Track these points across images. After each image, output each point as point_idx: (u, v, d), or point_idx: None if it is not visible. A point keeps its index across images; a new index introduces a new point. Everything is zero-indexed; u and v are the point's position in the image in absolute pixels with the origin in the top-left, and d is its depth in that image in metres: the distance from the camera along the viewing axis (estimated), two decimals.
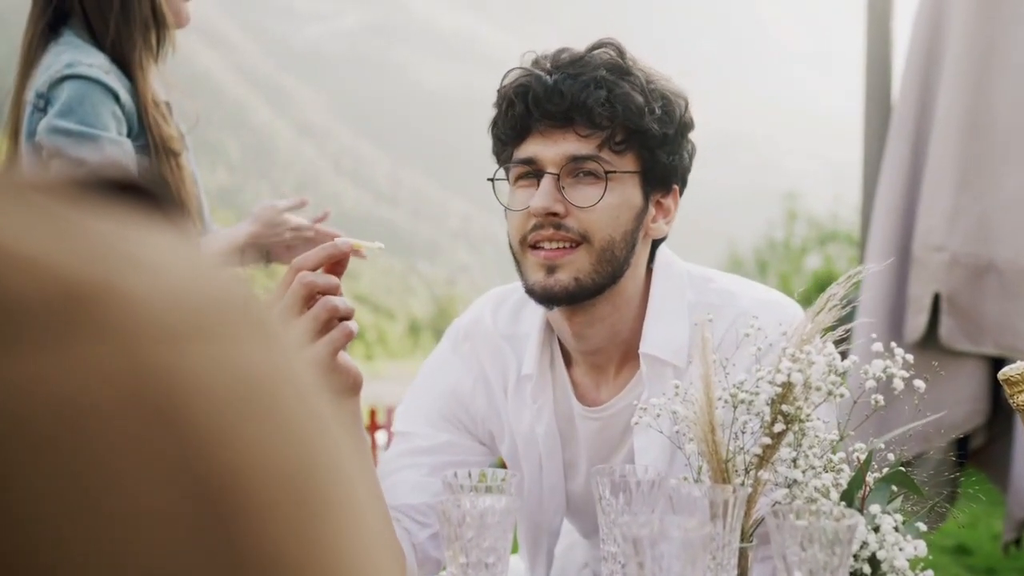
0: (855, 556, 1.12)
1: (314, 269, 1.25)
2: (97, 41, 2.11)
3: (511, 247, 1.50)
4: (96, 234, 0.27)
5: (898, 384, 1.15)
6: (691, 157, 1.55)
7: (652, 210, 1.51)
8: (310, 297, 1.23)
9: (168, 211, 0.32)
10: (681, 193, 1.57)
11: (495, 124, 1.51)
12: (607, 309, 1.50)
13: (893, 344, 1.17)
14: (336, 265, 1.27)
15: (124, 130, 2.07)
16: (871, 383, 1.15)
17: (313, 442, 0.28)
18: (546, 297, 1.45)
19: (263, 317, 0.29)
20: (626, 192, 1.47)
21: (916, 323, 3.14)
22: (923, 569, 1.14)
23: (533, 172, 1.46)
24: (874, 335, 1.25)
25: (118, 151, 2.03)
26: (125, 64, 2.10)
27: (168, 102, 2.20)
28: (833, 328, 1.21)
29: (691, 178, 1.58)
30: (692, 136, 1.55)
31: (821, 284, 1.32)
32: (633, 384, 1.53)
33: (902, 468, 1.18)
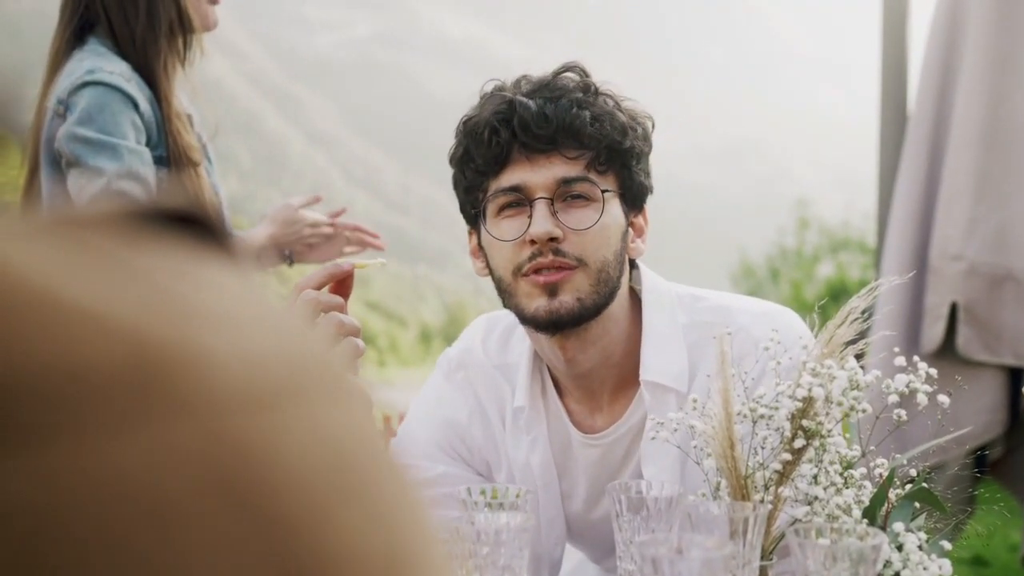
0: (879, 575, 1.09)
1: (318, 289, 1.24)
2: (121, 48, 2.09)
3: (498, 280, 1.47)
4: (162, 282, 0.24)
5: (922, 399, 1.12)
6: (650, 176, 1.54)
7: (630, 230, 1.51)
8: (314, 316, 1.22)
9: (224, 244, 0.29)
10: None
11: (467, 157, 1.47)
12: (598, 331, 1.48)
13: (916, 358, 1.15)
14: (341, 285, 1.27)
15: (143, 139, 2.05)
16: (894, 398, 1.12)
17: (402, 521, 0.25)
18: (551, 321, 1.42)
19: (336, 372, 0.27)
20: (613, 212, 1.46)
21: (933, 333, 3.11)
22: None
23: (520, 200, 1.44)
24: (896, 348, 1.22)
25: (136, 160, 2.01)
26: (148, 71, 2.08)
27: (190, 114, 2.19)
28: (854, 341, 1.19)
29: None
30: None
31: (834, 292, 1.30)
32: (632, 410, 1.52)
33: (925, 485, 1.16)
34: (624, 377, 1.53)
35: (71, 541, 0.20)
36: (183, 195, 0.29)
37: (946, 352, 3.06)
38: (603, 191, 1.43)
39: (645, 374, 1.47)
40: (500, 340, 1.59)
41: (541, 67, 1.53)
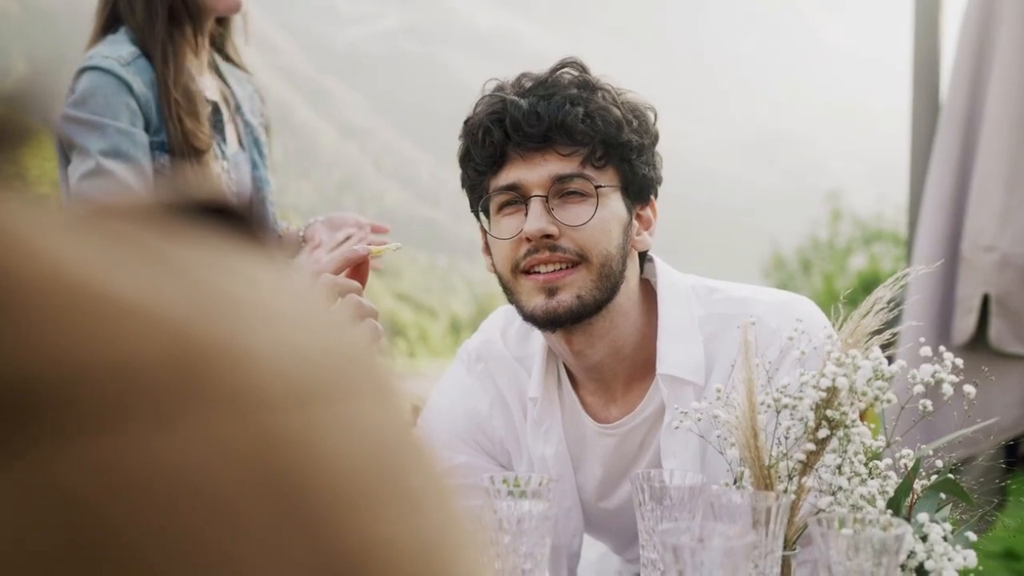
0: (902, 566, 1.09)
1: (335, 274, 1.25)
2: (133, 35, 2.13)
3: (500, 277, 1.49)
4: (200, 275, 0.25)
5: (947, 390, 1.11)
6: (660, 167, 1.54)
7: (635, 223, 1.50)
8: (332, 300, 1.23)
9: (261, 236, 0.29)
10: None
11: (468, 157, 1.49)
12: (605, 326, 1.48)
13: (942, 348, 1.14)
14: (357, 270, 1.30)
15: (139, 122, 2.06)
16: (919, 388, 1.12)
17: (440, 515, 0.26)
18: (549, 319, 1.43)
19: (377, 369, 0.27)
20: (613, 206, 1.46)
21: (965, 324, 3.08)
22: None
23: (517, 198, 1.45)
24: (922, 339, 1.21)
25: (126, 141, 2.03)
26: (150, 57, 2.10)
27: (215, 101, 2.19)
28: (880, 331, 1.18)
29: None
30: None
31: (867, 284, 1.29)
32: (647, 401, 1.52)
33: (951, 476, 1.15)
34: (637, 369, 1.53)
35: (115, 532, 0.21)
36: (212, 187, 0.29)
37: (977, 344, 3.04)
38: (598, 187, 1.43)
39: (662, 367, 1.47)
40: (520, 331, 1.60)
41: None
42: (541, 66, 1.56)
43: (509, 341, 1.61)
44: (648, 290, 1.56)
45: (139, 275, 0.24)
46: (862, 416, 1.19)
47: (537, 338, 1.57)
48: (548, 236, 1.41)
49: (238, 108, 2.27)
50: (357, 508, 0.23)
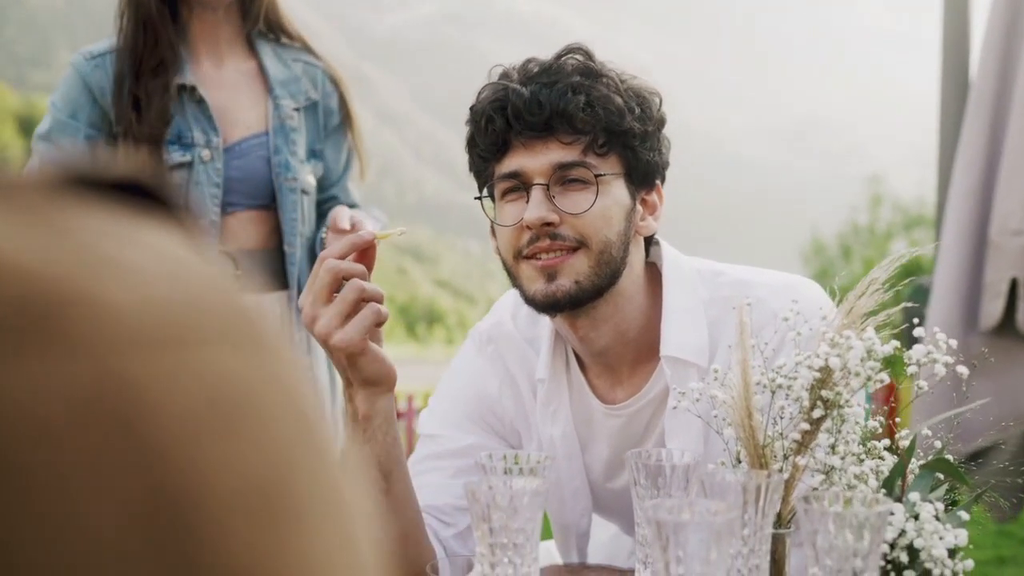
0: (892, 544, 1.09)
1: (341, 258, 1.28)
2: None
3: (503, 262, 1.50)
4: (79, 237, 0.27)
5: (939, 370, 1.12)
6: (668, 152, 1.54)
7: (640, 208, 1.51)
8: (337, 283, 1.26)
9: (172, 210, 0.31)
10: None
11: (473, 143, 1.50)
12: (609, 310, 1.49)
13: (936, 329, 1.14)
14: (364, 255, 1.32)
15: (95, 114, 2.21)
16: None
17: (287, 452, 0.27)
18: (548, 304, 1.44)
19: (249, 322, 0.29)
20: (615, 193, 1.46)
21: (992, 309, 3.05)
22: (964, 559, 1.11)
23: (520, 185, 1.46)
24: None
25: (63, 130, 2.20)
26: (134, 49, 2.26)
27: (196, 88, 2.23)
28: (875, 313, 1.19)
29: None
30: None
31: (908, 270, 1.29)
32: (652, 383, 1.54)
33: (946, 456, 1.15)
34: (642, 352, 1.54)
35: None
36: (132, 166, 0.32)
37: (1005, 329, 3.01)
38: (598, 175, 1.44)
39: (665, 349, 1.49)
40: (530, 314, 1.61)
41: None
42: None
43: (519, 323, 1.63)
44: (654, 274, 1.57)
45: (19, 235, 0.26)
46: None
47: (546, 320, 1.58)
48: (549, 224, 1.42)
49: (271, 90, 2.30)
50: (189, 442, 0.25)
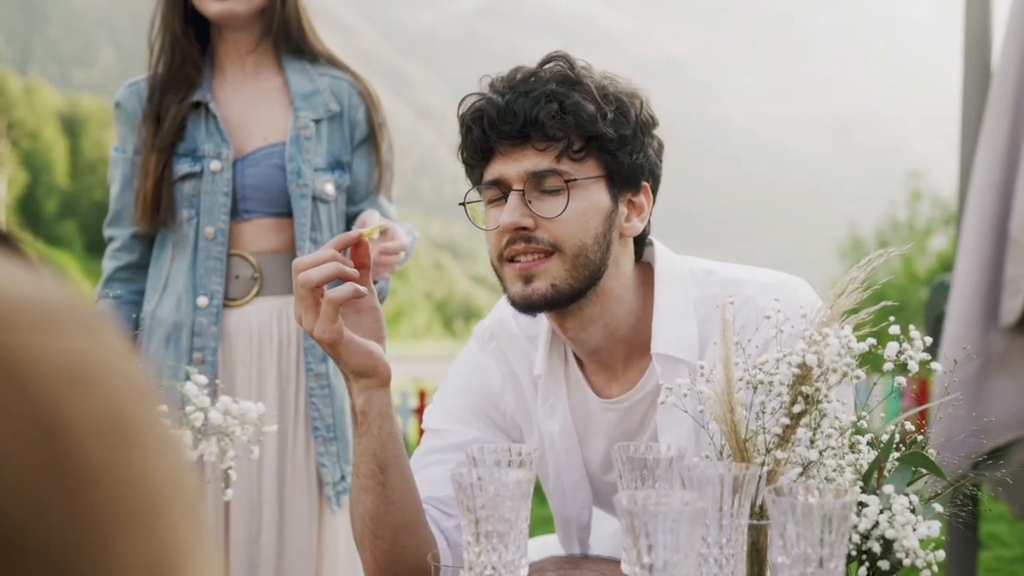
0: (866, 536, 1.13)
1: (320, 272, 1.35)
2: None
3: (491, 264, 1.56)
4: None
5: (913, 367, 1.15)
6: (658, 153, 1.57)
7: (624, 210, 1.55)
8: (314, 291, 1.35)
9: (10, 244, 0.43)
10: (655, 190, 1.60)
11: (460, 150, 1.56)
12: (596, 310, 1.54)
13: (912, 327, 1.17)
14: (357, 253, 1.41)
15: (136, 141, 2.41)
16: (888, 366, 1.15)
17: (125, 395, 0.39)
18: (526, 305, 1.50)
19: (87, 315, 0.41)
20: (591, 197, 1.50)
21: (1012, 306, 3.04)
22: (935, 549, 1.14)
23: (502, 191, 1.51)
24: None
25: (112, 164, 2.45)
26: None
27: (208, 104, 2.36)
28: (855, 311, 1.22)
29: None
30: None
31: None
32: (645, 379, 1.58)
33: (921, 450, 1.18)
34: (635, 349, 1.59)
35: None
36: None
37: None
38: (569, 180, 1.48)
39: (656, 347, 1.53)
40: None
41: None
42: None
43: (521, 320, 1.68)
44: (648, 273, 1.61)
45: None
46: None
47: (544, 318, 1.63)
48: (524, 228, 1.48)
49: (293, 103, 2.36)
50: (58, 388, 0.37)
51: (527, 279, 1.49)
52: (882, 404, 1.24)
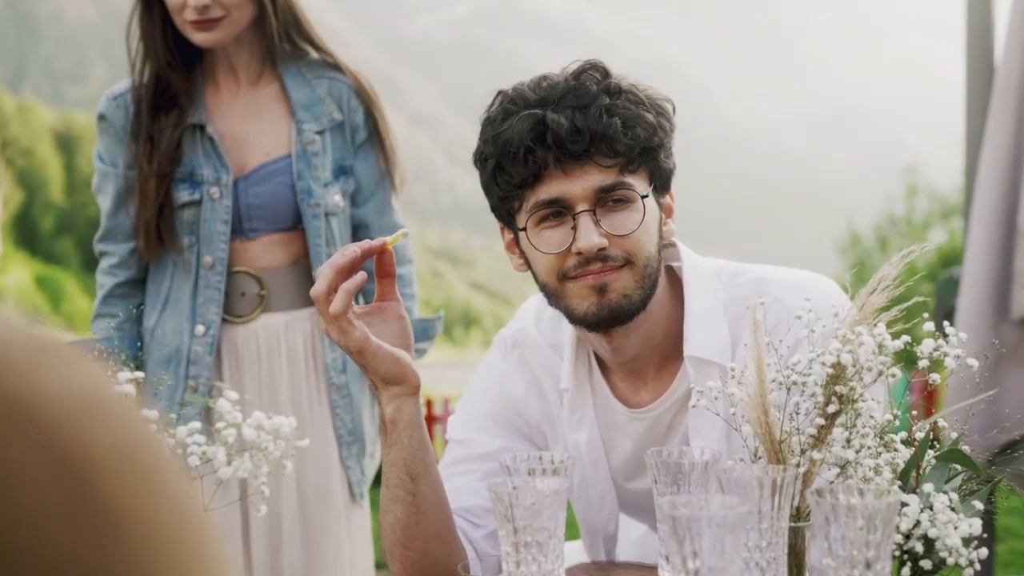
0: (908, 535, 1.12)
1: (333, 288, 1.36)
2: None
3: (543, 285, 1.51)
4: None
5: (950, 364, 1.14)
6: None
7: (662, 214, 1.54)
8: (327, 302, 1.36)
9: None
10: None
11: (499, 170, 1.48)
12: (641, 318, 1.52)
13: (946, 324, 1.16)
14: (382, 262, 1.40)
15: (125, 155, 2.37)
16: (924, 362, 1.15)
17: (137, 430, 0.41)
18: (602, 320, 1.47)
19: (70, 350, 0.42)
20: (650, 207, 1.49)
21: (1022, 299, 3.03)
22: (977, 547, 1.13)
23: (560, 211, 1.46)
24: (943, 325, 1.24)
25: (101, 178, 2.39)
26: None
27: (205, 127, 2.32)
28: (887, 308, 1.21)
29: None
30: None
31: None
32: (676, 384, 1.57)
33: (960, 447, 1.17)
34: (667, 354, 1.57)
35: None
36: None
37: None
38: (643, 196, 1.46)
39: (689, 350, 1.51)
40: (552, 319, 1.65)
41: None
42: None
43: (543, 329, 1.66)
44: (672, 276, 1.60)
45: None
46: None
47: (568, 326, 1.61)
48: (601, 249, 1.45)
49: (294, 114, 2.32)
50: (71, 420, 0.38)
51: (601, 291, 1.46)
52: (893, 401, 1.23)
